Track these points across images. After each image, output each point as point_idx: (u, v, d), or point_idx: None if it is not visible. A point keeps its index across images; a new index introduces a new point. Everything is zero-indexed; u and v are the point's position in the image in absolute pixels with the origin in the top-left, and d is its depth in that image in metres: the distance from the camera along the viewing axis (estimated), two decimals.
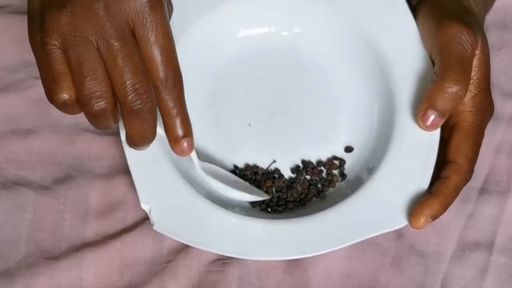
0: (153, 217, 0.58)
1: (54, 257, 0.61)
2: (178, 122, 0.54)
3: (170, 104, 0.53)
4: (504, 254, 0.62)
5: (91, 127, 0.66)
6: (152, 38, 0.51)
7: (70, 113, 0.52)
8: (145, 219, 0.63)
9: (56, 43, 0.50)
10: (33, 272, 0.61)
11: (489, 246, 0.63)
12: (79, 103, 0.51)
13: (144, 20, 0.51)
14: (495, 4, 0.70)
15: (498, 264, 0.62)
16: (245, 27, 0.67)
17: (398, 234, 0.63)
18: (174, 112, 0.54)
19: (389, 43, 0.64)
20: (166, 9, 0.52)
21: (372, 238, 0.59)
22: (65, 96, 0.50)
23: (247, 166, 0.64)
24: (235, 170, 0.64)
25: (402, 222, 0.58)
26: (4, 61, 0.70)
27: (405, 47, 0.63)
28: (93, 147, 0.66)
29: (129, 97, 0.51)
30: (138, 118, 0.52)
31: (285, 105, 0.66)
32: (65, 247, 0.62)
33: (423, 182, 0.59)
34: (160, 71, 0.52)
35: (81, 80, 0.50)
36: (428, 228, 0.58)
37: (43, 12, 0.51)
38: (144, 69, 0.51)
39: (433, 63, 0.61)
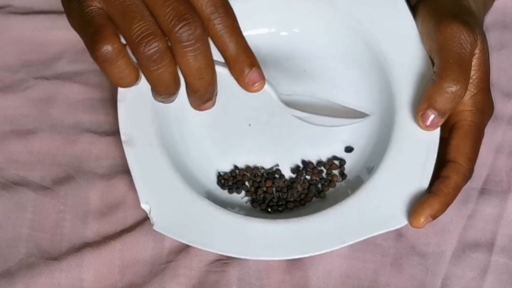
0: (153, 217, 0.58)
1: (54, 257, 0.61)
2: (240, 52, 0.51)
3: (227, 34, 0.50)
4: (504, 254, 0.62)
5: (92, 127, 0.67)
6: None
7: (113, 71, 0.49)
8: (145, 219, 0.62)
9: (98, 5, 0.48)
10: (33, 272, 0.61)
11: (489, 246, 0.63)
12: (131, 46, 0.48)
13: None
14: (495, 4, 0.70)
15: (498, 264, 0.62)
16: (245, 27, 0.67)
17: (398, 234, 0.63)
18: (233, 43, 0.50)
19: (389, 43, 0.64)
20: None
21: (372, 238, 0.59)
22: (107, 47, 0.47)
23: (247, 166, 0.64)
24: (235, 170, 0.64)
25: (402, 221, 0.58)
26: (4, 61, 0.70)
27: (405, 46, 0.63)
28: (93, 147, 0.66)
29: (177, 26, 0.47)
30: (191, 48, 0.48)
31: None
32: (65, 247, 0.62)
33: (423, 181, 0.59)
34: (207, 0, 0.49)
35: (128, 24, 0.47)
36: (428, 228, 0.58)
37: None
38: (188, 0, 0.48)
39: (432, 62, 0.61)
